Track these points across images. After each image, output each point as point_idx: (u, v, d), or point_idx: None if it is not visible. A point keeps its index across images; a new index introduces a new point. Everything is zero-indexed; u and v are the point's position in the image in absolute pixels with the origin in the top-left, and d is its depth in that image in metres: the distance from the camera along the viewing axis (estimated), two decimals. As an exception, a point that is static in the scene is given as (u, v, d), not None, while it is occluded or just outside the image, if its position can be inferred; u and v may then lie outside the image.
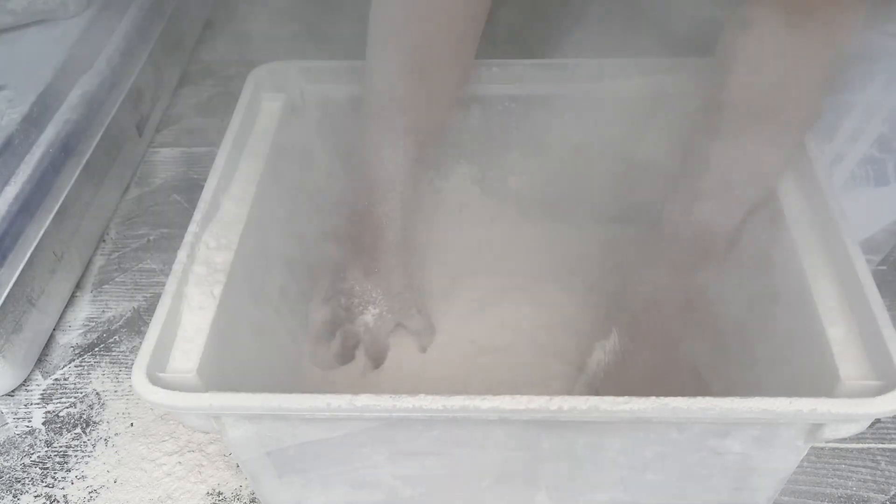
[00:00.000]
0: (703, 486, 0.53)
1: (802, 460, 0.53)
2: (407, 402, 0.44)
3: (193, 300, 0.51)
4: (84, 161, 0.84)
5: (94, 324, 0.82)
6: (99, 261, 0.88)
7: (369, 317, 0.65)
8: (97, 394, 0.75)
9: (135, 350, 0.78)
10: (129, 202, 0.96)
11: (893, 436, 0.69)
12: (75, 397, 0.75)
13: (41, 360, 0.78)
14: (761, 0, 0.49)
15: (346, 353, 0.67)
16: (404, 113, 0.58)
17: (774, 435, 0.47)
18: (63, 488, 0.68)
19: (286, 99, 0.69)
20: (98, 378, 0.76)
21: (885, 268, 0.82)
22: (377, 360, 0.67)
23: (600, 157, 0.74)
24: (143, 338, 0.48)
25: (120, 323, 0.81)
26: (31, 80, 0.81)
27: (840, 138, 0.65)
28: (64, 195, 0.79)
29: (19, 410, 0.74)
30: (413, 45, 0.57)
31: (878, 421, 0.70)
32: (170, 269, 0.52)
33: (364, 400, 0.44)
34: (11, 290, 0.71)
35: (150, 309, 0.82)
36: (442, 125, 0.62)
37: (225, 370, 0.52)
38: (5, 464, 0.70)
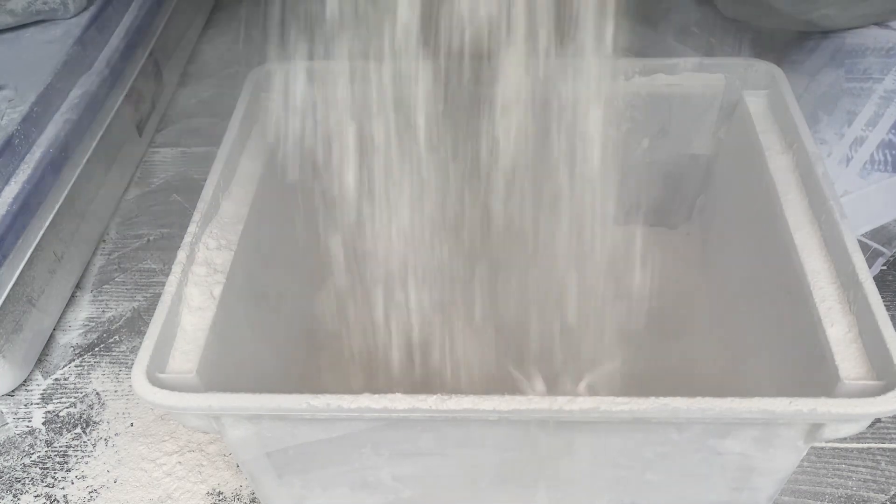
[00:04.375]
0: (703, 486, 0.53)
1: (802, 460, 0.53)
2: (406, 403, 0.44)
3: (193, 300, 0.51)
4: (84, 161, 0.84)
5: (94, 324, 0.82)
6: (99, 261, 0.88)
7: None
8: (97, 394, 0.75)
9: (135, 350, 0.78)
10: (129, 202, 0.96)
11: (893, 436, 0.69)
12: (75, 397, 0.75)
13: (41, 360, 0.78)
14: None
15: None
16: None
17: (774, 435, 0.47)
18: (63, 488, 0.68)
19: (286, 99, 0.69)
20: (98, 378, 0.76)
21: (885, 267, 0.82)
22: None
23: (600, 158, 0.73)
24: (143, 338, 0.48)
25: (120, 323, 0.82)
26: (31, 80, 0.81)
27: (860, 122, 0.65)
28: (64, 195, 0.79)
29: (19, 410, 0.74)
30: None
31: (878, 421, 0.70)
32: (170, 269, 0.52)
33: (363, 400, 0.44)
34: (11, 290, 0.71)
35: (150, 309, 0.82)
36: None
37: (225, 370, 0.52)
38: (5, 464, 0.70)
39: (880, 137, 0.66)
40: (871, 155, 0.66)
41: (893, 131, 0.66)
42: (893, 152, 0.66)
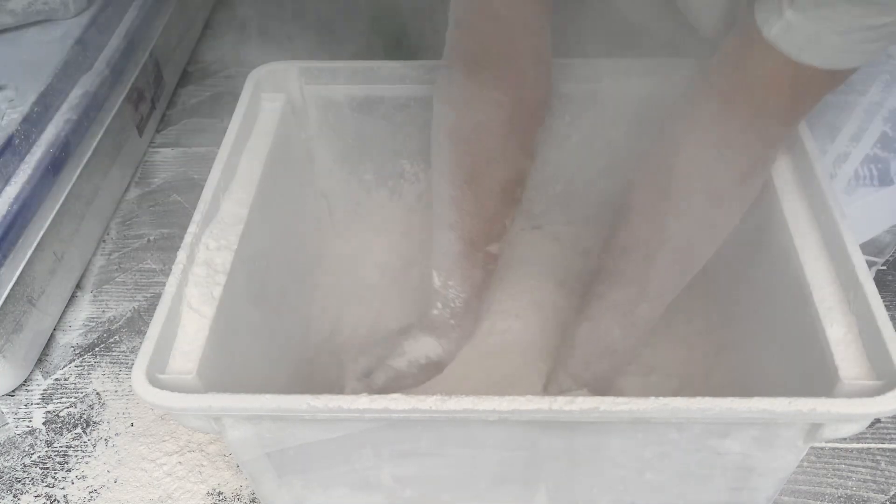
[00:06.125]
0: (703, 486, 0.53)
1: (802, 460, 0.53)
2: (406, 403, 0.44)
3: (193, 301, 0.51)
4: (84, 161, 0.84)
5: (94, 324, 0.82)
6: (99, 261, 0.88)
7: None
8: (97, 394, 0.75)
9: (135, 350, 0.79)
10: (129, 202, 0.96)
11: (893, 436, 0.69)
12: (75, 397, 0.75)
13: (41, 360, 0.78)
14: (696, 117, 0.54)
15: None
16: (452, 210, 0.64)
17: (774, 435, 0.47)
18: (63, 488, 0.68)
19: (286, 99, 0.69)
20: (98, 378, 0.76)
21: (884, 268, 0.82)
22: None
23: (601, 158, 0.74)
24: (143, 338, 0.48)
25: (120, 323, 0.82)
26: (31, 80, 0.81)
27: (843, 138, 0.65)
28: (64, 195, 0.79)
29: (19, 410, 0.74)
30: (460, 163, 0.62)
31: (878, 421, 0.70)
32: (170, 269, 0.52)
33: (363, 401, 0.44)
34: (11, 290, 0.71)
35: (150, 309, 0.82)
36: (492, 222, 0.65)
37: (225, 371, 0.52)
38: (6, 464, 0.70)
39: (864, 152, 0.64)
40: (856, 171, 0.65)
41: (878, 145, 0.64)
42: (879, 166, 0.65)
